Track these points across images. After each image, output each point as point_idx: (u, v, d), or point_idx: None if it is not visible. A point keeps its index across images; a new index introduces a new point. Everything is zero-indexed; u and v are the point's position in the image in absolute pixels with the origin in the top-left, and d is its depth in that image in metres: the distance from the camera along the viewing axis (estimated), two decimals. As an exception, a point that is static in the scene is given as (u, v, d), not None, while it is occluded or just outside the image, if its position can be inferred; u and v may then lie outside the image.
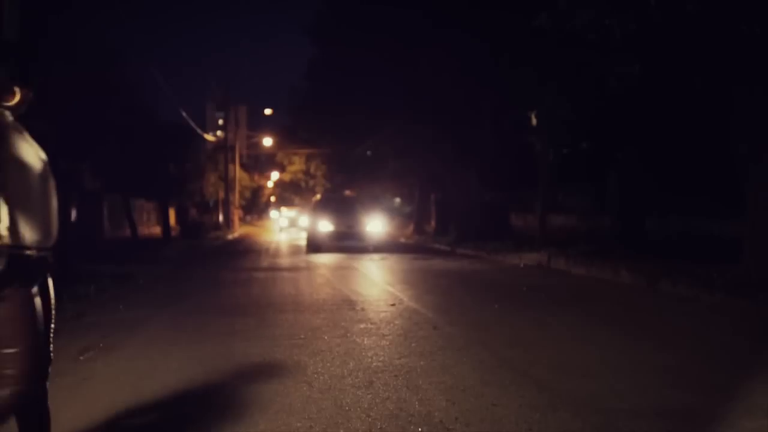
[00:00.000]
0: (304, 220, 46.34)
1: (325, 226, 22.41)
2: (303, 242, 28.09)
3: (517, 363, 5.93)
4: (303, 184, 55.97)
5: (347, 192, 37.93)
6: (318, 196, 27.13)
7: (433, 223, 33.37)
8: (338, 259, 18.86)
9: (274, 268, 16.33)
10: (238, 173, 50.20)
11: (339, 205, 24.63)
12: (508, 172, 24.53)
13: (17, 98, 3.07)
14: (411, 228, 35.10)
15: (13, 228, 2.83)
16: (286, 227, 47.73)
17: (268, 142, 54.57)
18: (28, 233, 2.92)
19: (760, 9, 8.93)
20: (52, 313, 3.22)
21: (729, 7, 9.05)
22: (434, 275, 13.97)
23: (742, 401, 4.81)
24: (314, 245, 22.51)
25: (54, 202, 3.10)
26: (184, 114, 33.44)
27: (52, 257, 3.12)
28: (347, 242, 22.25)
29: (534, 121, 21.71)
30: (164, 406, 4.87)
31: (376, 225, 23.17)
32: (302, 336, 7.34)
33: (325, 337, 7.24)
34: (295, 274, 14.63)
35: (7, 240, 2.81)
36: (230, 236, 38.38)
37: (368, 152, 35.41)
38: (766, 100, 10.86)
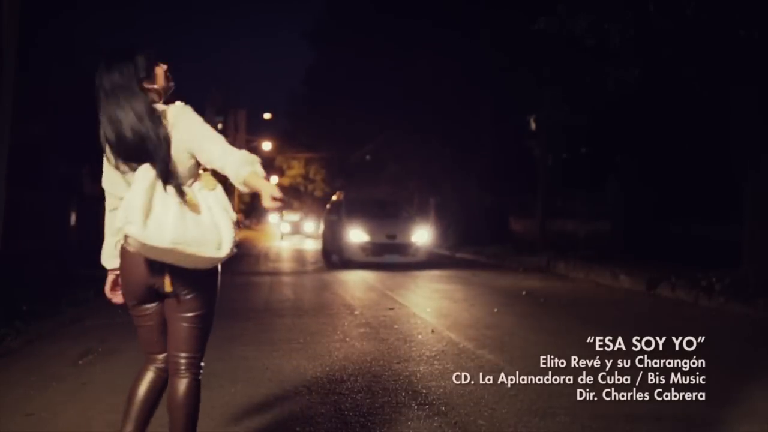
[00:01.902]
0: (310, 225, 41.47)
1: (358, 235, 17.08)
2: (310, 249, 27.60)
3: (516, 367, 5.93)
4: (302, 189, 55.95)
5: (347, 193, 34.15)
6: (338, 195, 20.67)
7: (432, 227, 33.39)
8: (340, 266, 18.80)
9: (274, 273, 16.32)
10: (237, 177, 50.09)
11: (374, 207, 18.73)
12: (507, 177, 24.54)
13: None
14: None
15: None
16: (288, 233, 42.38)
17: (267, 146, 54.56)
18: None
19: (757, 14, 8.95)
20: None
21: (727, 12, 9.07)
22: (433, 279, 13.97)
23: (741, 406, 4.81)
24: (340, 259, 17.82)
25: None
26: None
27: None
28: (388, 257, 16.99)
29: (533, 126, 21.76)
30: (163, 411, 4.86)
31: (423, 235, 17.60)
32: (301, 340, 7.34)
33: (324, 342, 7.24)
34: (295, 279, 14.63)
35: None
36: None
37: (367, 157, 35.43)
38: (764, 106, 10.88)
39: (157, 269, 3.02)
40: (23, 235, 17.31)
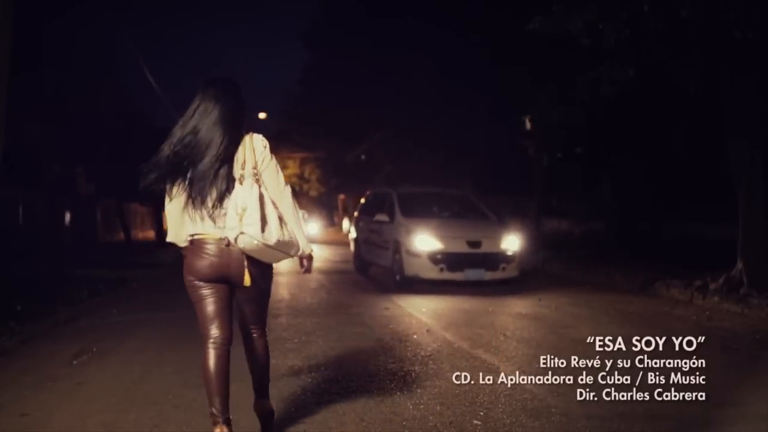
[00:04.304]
0: (314, 227, 33.82)
1: (426, 242, 11.86)
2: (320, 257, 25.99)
3: (512, 367, 5.94)
4: (297, 188, 55.96)
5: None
6: (377, 191, 16.13)
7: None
8: (330, 264, 18.76)
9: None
10: (232, 177, 50.00)
11: (435, 205, 14.03)
12: (502, 177, 24.56)
13: None
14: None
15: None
16: None
17: (262, 146, 54.52)
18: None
19: (752, 14, 8.98)
20: None
21: (722, 12, 9.09)
22: (428, 279, 13.92)
23: (736, 406, 4.83)
24: (396, 276, 12.38)
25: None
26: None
27: None
28: (471, 272, 11.76)
29: (528, 126, 21.76)
30: (158, 410, 4.86)
31: (514, 241, 12.32)
32: (296, 340, 7.33)
33: (319, 341, 7.24)
34: (291, 279, 14.61)
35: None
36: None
37: (362, 156, 35.43)
38: (758, 105, 10.92)
39: (226, 262, 3.84)
40: (18, 235, 17.28)
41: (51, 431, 4.54)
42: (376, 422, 4.51)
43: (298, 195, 56.63)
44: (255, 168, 3.82)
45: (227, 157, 3.81)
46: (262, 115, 63.67)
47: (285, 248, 3.84)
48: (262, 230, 3.70)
